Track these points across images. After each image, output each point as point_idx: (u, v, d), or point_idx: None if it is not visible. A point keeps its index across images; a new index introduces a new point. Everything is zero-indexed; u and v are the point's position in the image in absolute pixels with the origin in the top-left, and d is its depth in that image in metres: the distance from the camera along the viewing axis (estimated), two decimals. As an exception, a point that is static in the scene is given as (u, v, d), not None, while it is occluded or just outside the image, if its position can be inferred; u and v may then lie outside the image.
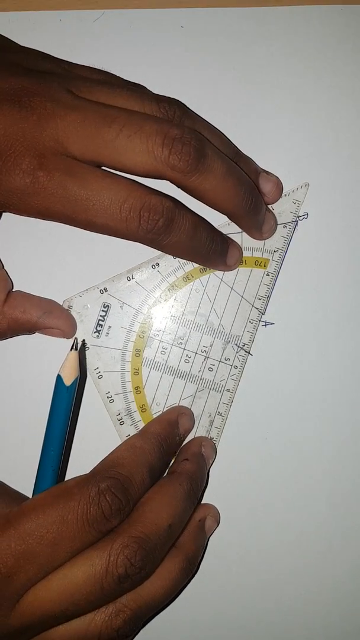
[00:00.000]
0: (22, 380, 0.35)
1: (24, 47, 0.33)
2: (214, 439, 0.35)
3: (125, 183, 0.29)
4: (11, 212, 0.30)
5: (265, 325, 0.36)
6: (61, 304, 0.34)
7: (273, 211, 0.35)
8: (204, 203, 0.31)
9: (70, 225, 0.30)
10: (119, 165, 0.29)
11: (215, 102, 0.33)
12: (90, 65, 0.33)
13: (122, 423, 0.35)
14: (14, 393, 0.36)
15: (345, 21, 0.36)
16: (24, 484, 0.35)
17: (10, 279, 0.34)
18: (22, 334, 0.34)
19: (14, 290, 0.34)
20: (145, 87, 0.33)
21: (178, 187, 0.31)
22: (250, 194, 0.32)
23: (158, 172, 0.29)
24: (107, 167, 0.30)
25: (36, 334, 0.34)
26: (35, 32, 0.34)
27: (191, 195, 0.31)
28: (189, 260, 0.35)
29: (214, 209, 0.32)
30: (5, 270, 0.34)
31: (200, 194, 0.31)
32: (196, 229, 0.31)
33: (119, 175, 0.30)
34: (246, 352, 0.35)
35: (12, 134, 0.27)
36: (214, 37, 0.36)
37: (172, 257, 0.35)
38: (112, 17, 0.35)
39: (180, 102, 0.32)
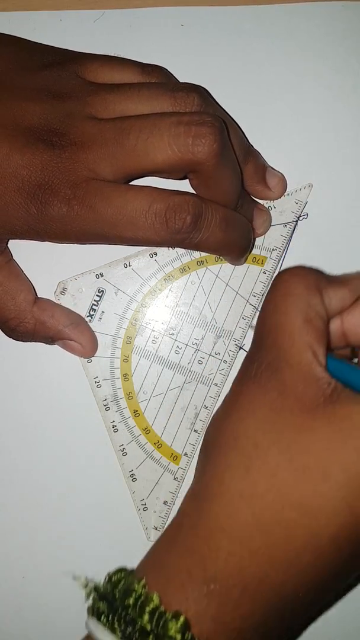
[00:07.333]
0: (22, 381, 0.36)
1: (37, 54, 0.32)
2: (198, 432, 0.35)
3: (147, 191, 0.29)
4: (52, 241, 0.31)
5: (265, 326, 0.36)
6: (56, 285, 0.35)
7: (275, 210, 0.35)
8: (211, 194, 0.30)
9: (106, 244, 0.30)
10: (147, 170, 0.29)
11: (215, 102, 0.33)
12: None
13: (107, 409, 0.35)
14: (14, 393, 0.36)
15: (347, 19, 0.35)
16: (24, 483, 0.36)
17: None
18: (43, 340, 0.33)
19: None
20: (163, 71, 0.32)
21: (205, 176, 0.29)
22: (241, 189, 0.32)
23: (185, 162, 0.29)
24: (140, 176, 0.30)
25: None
26: (35, 32, 0.34)
27: (208, 184, 0.30)
28: (229, 260, 0.35)
29: (220, 200, 0.31)
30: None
31: (217, 181, 0.30)
32: (228, 221, 0.30)
33: (143, 186, 0.30)
34: (238, 347, 0.35)
35: (49, 170, 0.29)
36: (214, 36, 0.36)
37: (169, 247, 0.35)
38: (112, 17, 0.35)
39: (201, 87, 0.31)
